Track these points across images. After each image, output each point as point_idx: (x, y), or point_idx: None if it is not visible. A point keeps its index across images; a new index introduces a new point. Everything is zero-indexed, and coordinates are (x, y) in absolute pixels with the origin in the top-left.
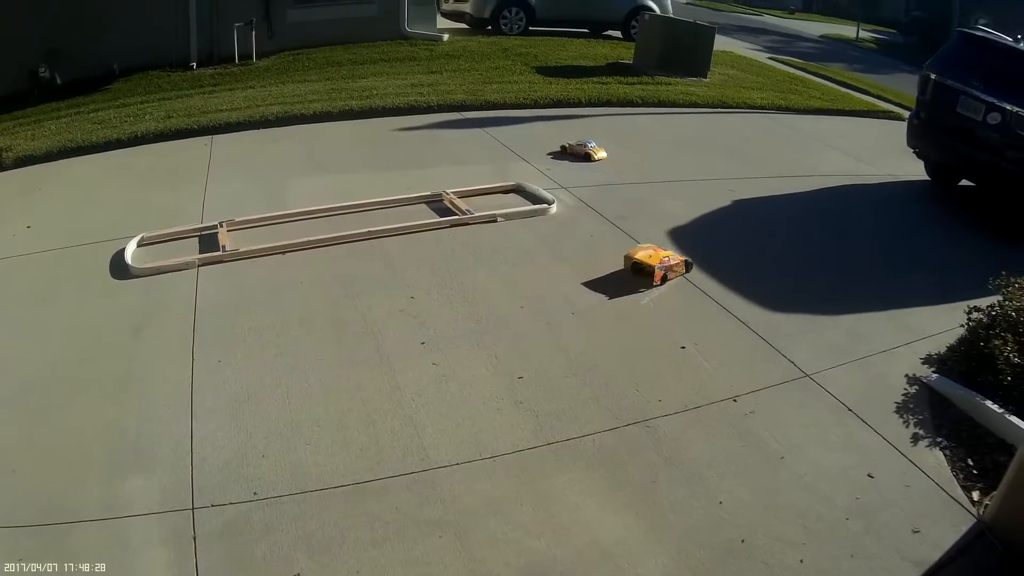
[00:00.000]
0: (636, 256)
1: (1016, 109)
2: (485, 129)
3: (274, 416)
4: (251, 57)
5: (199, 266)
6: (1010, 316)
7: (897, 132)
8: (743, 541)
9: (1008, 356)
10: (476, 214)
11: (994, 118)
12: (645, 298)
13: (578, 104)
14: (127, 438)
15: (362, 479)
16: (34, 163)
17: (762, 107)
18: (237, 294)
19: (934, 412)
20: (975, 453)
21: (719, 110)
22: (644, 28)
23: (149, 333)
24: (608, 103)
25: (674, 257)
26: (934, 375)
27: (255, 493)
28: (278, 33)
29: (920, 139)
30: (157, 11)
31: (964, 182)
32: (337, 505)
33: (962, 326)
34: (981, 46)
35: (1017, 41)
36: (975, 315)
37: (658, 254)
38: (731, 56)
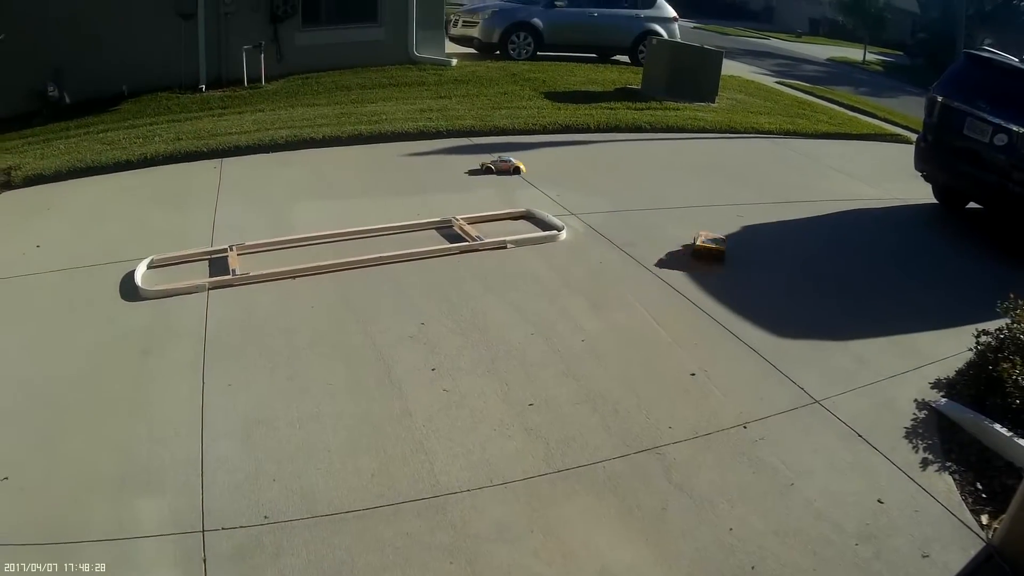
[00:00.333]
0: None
1: (1023, 130)
2: (494, 155)
3: (285, 440)
4: (260, 80)
5: (209, 289)
6: (1018, 339)
7: (905, 155)
8: (753, 568)
9: (1016, 379)
10: (486, 240)
11: (1001, 139)
12: (654, 324)
13: (587, 130)
14: (136, 460)
15: (373, 504)
16: (43, 182)
17: (770, 132)
18: (248, 318)
19: (943, 436)
20: (984, 477)
21: (727, 135)
22: (652, 53)
23: (159, 355)
24: (617, 128)
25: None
26: (943, 399)
27: (266, 517)
28: (287, 56)
29: (927, 162)
30: (166, 33)
31: (972, 204)
32: (348, 530)
33: (970, 350)
34: (987, 67)
35: (1023, 62)
36: (984, 339)
37: None
38: (738, 80)
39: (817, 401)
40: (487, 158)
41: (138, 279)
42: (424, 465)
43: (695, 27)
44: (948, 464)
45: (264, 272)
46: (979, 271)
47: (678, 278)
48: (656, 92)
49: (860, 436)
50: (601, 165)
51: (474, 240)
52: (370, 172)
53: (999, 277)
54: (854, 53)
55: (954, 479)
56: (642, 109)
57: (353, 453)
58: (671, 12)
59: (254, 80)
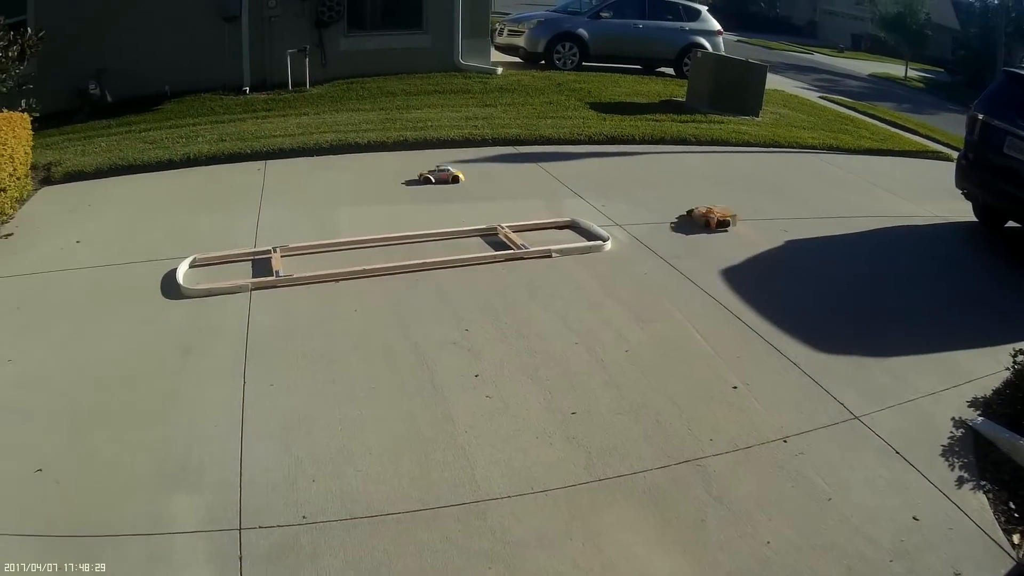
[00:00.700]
0: None
1: None
2: (540, 164)
3: (325, 442)
4: (304, 84)
5: (252, 290)
6: None
7: (945, 173)
8: None
9: None
10: (531, 249)
11: None
12: (697, 336)
13: (632, 141)
14: (174, 456)
15: (412, 508)
16: (83, 179)
17: (813, 147)
18: (290, 319)
19: (978, 455)
20: (1017, 496)
21: (771, 149)
22: (696, 66)
23: (200, 354)
24: (662, 140)
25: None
26: (979, 418)
27: (304, 517)
28: (331, 61)
29: (968, 180)
30: (210, 35)
31: (1012, 223)
32: (386, 533)
33: (1007, 369)
34: None
35: None
36: (1020, 358)
37: None
38: (782, 95)
39: (856, 417)
40: (426, 168)
41: (180, 278)
42: (465, 470)
43: (739, 40)
44: (982, 483)
45: (308, 274)
46: (1018, 291)
47: (722, 291)
48: (700, 105)
49: (897, 453)
50: (646, 177)
51: (519, 248)
52: (414, 179)
53: None
54: (896, 69)
55: (988, 498)
56: (687, 121)
57: (394, 456)
58: (716, 25)
59: (298, 84)
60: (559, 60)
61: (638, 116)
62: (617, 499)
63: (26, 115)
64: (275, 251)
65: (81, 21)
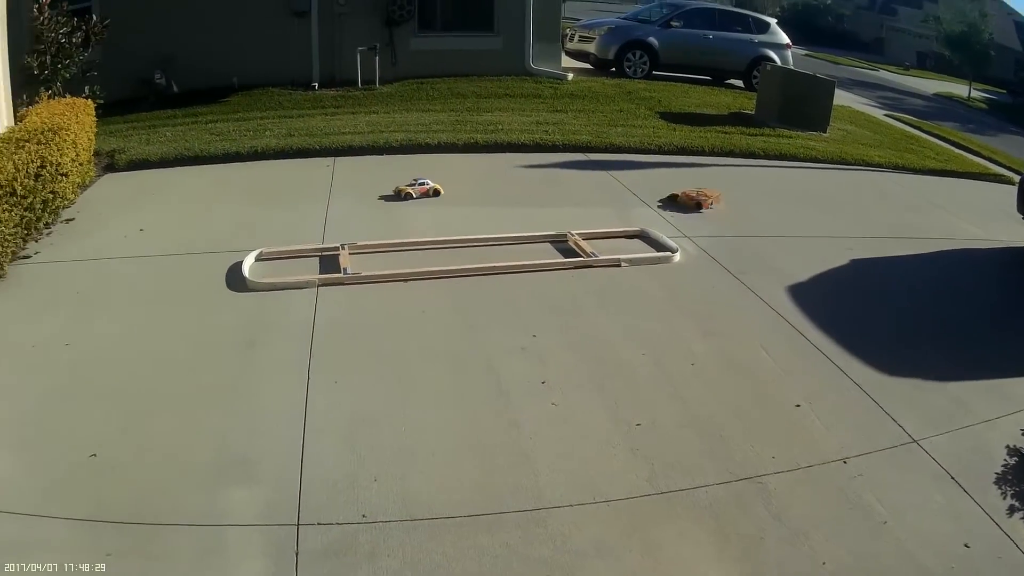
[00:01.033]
0: None
1: None
2: (609, 172)
3: (389, 442)
4: (374, 82)
5: (319, 286)
6: None
7: (1008, 196)
8: None
9: None
10: (600, 257)
11: None
12: (763, 352)
13: (701, 152)
14: (234, 448)
15: (473, 512)
16: (147, 167)
17: (879, 165)
18: (357, 317)
19: None
20: None
21: (837, 166)
22: (766, 79)
23: (264, 347)
24: (731, 153)
25: None
26: None
27: (364, 516)
28: (401, 60)
29: None
30: (279, 29)
31: None
32: (446, 536)
33: None
34: None
35: None
36: None
37: None
38: (848, 111)
39: (915, 440)
40: (403, 182)
41: (246, 270)
42: (528, 477)
43: (806, 55)
44: None
45: (376, 273)
46: None
47: (787, 307)
48: (769, 118)
49: (953, 479)
50: (714, 188)
51: (589, 256)
52: (485, 181)
53: None
54: (959, 89)
55: None
56: (755, 135)
57: (457, 460)
58: (785, 38)
59: (368, 82)
60: (629, 68)
61: (707, 128)
62: (678, 512)
63: (90, 102)
64: (343, 248)
65: (148, 11)
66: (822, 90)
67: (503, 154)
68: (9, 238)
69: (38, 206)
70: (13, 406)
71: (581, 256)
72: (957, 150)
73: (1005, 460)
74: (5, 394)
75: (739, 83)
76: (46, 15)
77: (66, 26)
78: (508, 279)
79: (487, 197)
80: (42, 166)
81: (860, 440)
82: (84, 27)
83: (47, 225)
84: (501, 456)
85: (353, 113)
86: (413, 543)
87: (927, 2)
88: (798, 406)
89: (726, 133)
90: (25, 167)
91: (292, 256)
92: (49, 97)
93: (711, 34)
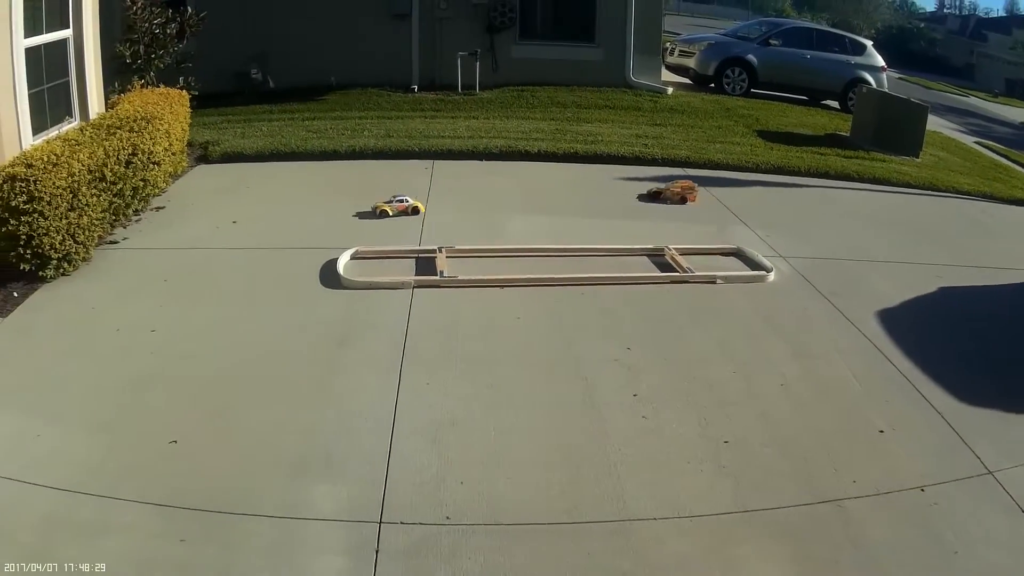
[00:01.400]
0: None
1: None
2: (707, 188)
3: (477, 446)
4: (474, 87)
5: (415, 287)
6: None
7: None
8: None
9: None
10: (696, 273)
11: None
12: (851, 377)
13: (797, 172)
14: (320, 444)
15: (558, 520)
16: (241, 160)
17: (968, 193)
18: (452, 320)
19: None
20: None
21: (928, 192)
22: (861, 101)
23: (356, 346)
24: (826, 175)
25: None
26: None
27: (447, 518)
28: (502, 67)
29: None
30: (379, 30)
31: None
32: (529, 542)
33: None
34: None
35: None
36: None
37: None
38: (939, 137)
39: (990, 472)
40: (381, 200)
41: (341, 268)
42: (614, 488)
43: (899, 78)
44: None
45: (472, 277)
46: None
47: (876, 332)
48: (863, 141)
49: (1023, 512)
50: (810, 210)
51: (685, 271)
52: (583, 192)
53: None
54: None
55: None
56: (850, 157)
57: (545, 467)
58: (880, 61)
59: (468, 87)
60: (728, 84)
61: (804, 148)
62: (759, 532)
63: (184, 92)
64: (440, 251)
65: (246, 6)
66: (915, 115)
67: (602, 165)
68: (96, 223)
69: (128, 193)
70: (94, 389)
71: (677, 271)
72: None
73: None
74: (87, 376)
75: (835, 104)
76: (139, 5)
77: (160, 17)
78: (605, 290)
79: (585, 208)
80: (133, 153)
81: (938, 468)
82: (179, 19)
83: (136, 212)
84: (588, 466)
85: (452, 117)
86: (494, 547)
87: (1016, 29)
88: (881, 431)
89: (822, 154)
90: (116, 154)
91: (387, 256)
92: (142, 86)
93: (809, 54)
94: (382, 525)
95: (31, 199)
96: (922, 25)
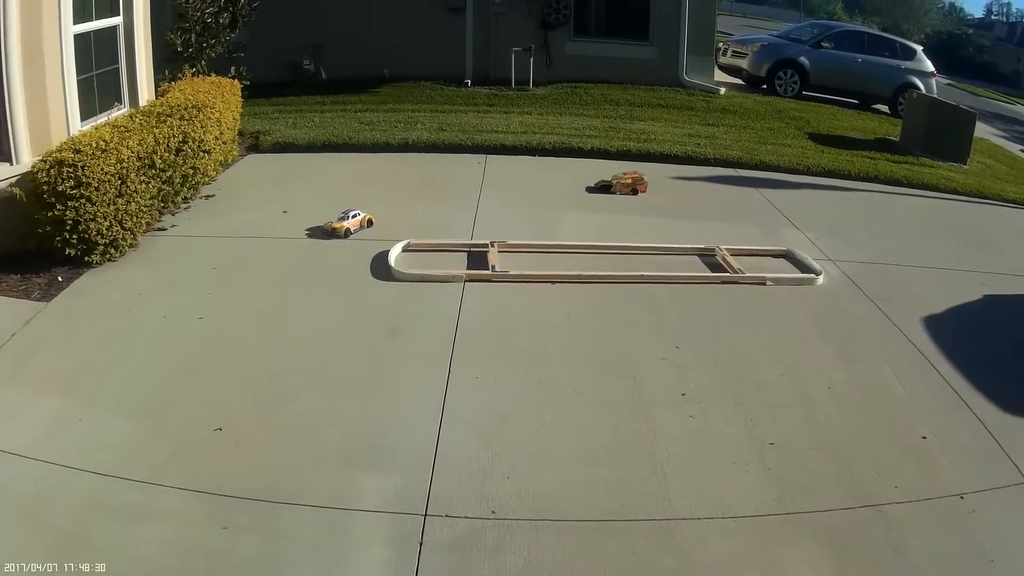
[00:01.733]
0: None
1: None
2: (758, 189)
3: (525, 441)
4: (528, 83)
5: (466, 281)
6: None
7: None
8: None
9: None
10: (747, 274)
11: None
12: (896, 382)
13: (847, 176)
14: (367, 435)
15: (603, 518)
16: (292, 151)
17: (1014, 201)
18: (502, 315)
19: None
20: None
21: (975, 199)
22: (911, 106)
23: (406, 338)
24: (875, 179)
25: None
26: None
27: (493, 512)
28: (556, 63)
29: None
30: (433, 23)
31: None
32: (573, 538)
33: None
34: None
35: None
36: None
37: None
38: (986, 144)
39: None
40: (334, 219)
41: (392, 260)
42: (660, 487)
43: (948, 84)
44: None
45: (524, 272)
46: None
47: (921, 338)
48: (912, 146)
49: None
50: (859, 214)
51: (735, 272)
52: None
53: None
54: None
55: None
56: (899, 162)
57: (591, 464)
58: (930, 67)
59: (521, 82)
60: (780, 86)
61: (854, 152)
62: (801, 534)
63: (236, 82)
64: (492, 246)
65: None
66: (964, 122)
67: (654, 164)
68: (145, 209)
69: (177, 180)
70: (139, 374)
71: (728, 272)
72: None
73: None
74: (132, 362)
75: (885, 109)
76: None
77: (212, 6)
78: (655, 288)
79: (638, 206)
80: (184, 141)
81: (978, 476)
82: (231, 8)
83: (185, 200)
84: (635, 464)
85: (506, 112)
86: (539, 543)
87: None
88: (924, 438)
89: (872, 158)
90: (166, 141)
91: (439, 249)
92: (193, 75)
93: (860, 57)
94: (427, 518)
95: (78, 184)
96: (970, 31)
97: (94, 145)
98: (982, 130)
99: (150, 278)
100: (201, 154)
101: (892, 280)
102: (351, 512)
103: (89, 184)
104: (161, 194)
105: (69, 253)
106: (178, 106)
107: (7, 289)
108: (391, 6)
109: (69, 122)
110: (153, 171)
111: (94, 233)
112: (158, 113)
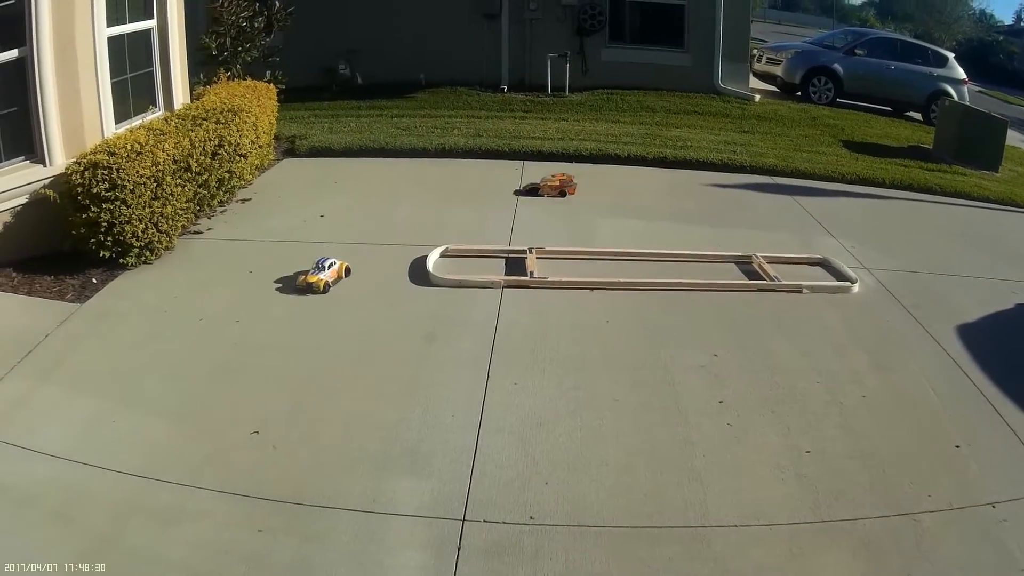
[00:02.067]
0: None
1: None
2: (794, 197)
3: (563, 447)
4: (564, 89)
5: (504, 287)
6: None
7: None
8: None
9: None
10: (783, 282)
11: None
12: (930, 391)
13: (881, 184)
14: (404, 440)
15: (639, 524)
16: (328, 155)
17: None
18: (541, 321)
19: None
20: None
21: (1007, 208)
22: (943, 114)
23: (444, 343)
24: (909, 187)
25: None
26: None
27: (531, 518)
28: (592, 70)
29: None
30: (468, 29)
31: None
32: (611, 544)
33: None
34: None
35: None
36: None
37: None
38: (1017, 152)
39: None
40: (307, 273)
41: (430, 265)
42: (697, 494)
43: (979, 91)
44: None
45: (562, 279)
46: None
47: (955, 347)
48: (945, 154)
49: None
50: (892, 221)
51: (772, 280)
52: (672, 197)
53: None
54: None
55: None
56: (932, 170)
57: (629, 471)
58: (961, 74)
59: (557, 88)
60: (814, 94)
61: (888, 160)
62: (835, 543)
63: (271, 86)
64: (530, 252)
65: (335, 2)
66: (996, 129)
67: (691, 171)
68: (181, 212)
69: (213, 184)
70: (174, 376)
71: (764, 279)
72: None
73: None
74: (167, 363)
75: (918, 116)
76: None
77: (247, 10)
78: (693, 295)
79: (675, 213)
80: (219, 145)
81: (1009, 486)
82: (266, 13)
83: (221, 203)
84: (672, 471)
85: (542, 119)
86: (577, 549)
87: None
88: (957, 447)
89: (905, 166)
90: (202, 144)
91: (477, 255)
92: (228, 78)
93: (893, 65)
94: (465, 522)
95: (113, 186)
96: (1000, 38)
97: (129, 148)
98: (1013, 138)
99: (186, 281)
100: (237, 158)
101: (925, 288)
102: (388, 516)
103: (124, 186)
104: (197, 197)
105: (104, 255)
106: (214, 109)
107: (40, 290)
108: (426, 12)
109: (103, 125)
110: (189, 174)
111: (129, 235)
112: (193, 116)
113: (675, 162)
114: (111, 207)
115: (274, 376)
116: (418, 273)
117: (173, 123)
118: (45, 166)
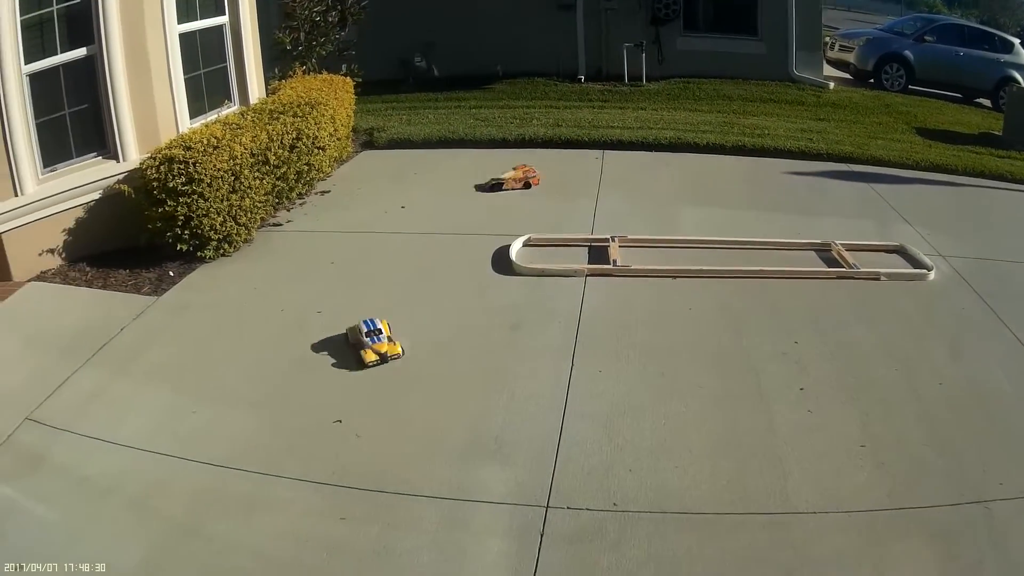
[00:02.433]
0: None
1: None
2: (870, 184)
3: (647, 434)
4: (641, 79)
5: (587, 275)
6: None
7: None
8: None
9: None
10: (862, 269)
11: None
12: (1004, 380)
13: (954, 171)
14: (489, 428)
15: (722, 511)
16: (407, 147)
17: None
18: (624, 309)
19: None
20: None
21: None
22: (1012, 100)
23: (528, 332)
24: (981, 174)
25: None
26: None
27: (615, 504)
28: (668, 59)
29: None
30: (544, 20)
31: None
32: (693, 531)
33: None
34: None
35: None
36: None
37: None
38: None
39: None
40: (364, 341)
41: (513, 255)
42: (778, 481)
43: None
44: None
45: (644, 267)
46: None
47: None
48: (1016, 141)
49: None
50: (966, 209)
51: (851, 267)
52: (751, 185)
53: None
54: None
55: None
56: (1003, 157)
57: (712, 457)
58: None
59: (634, 78)
60: (887, 80)
61: (959, 147)
62: (910, 530)
63: (348, 79)
64: (613, 240)
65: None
66: None
67: (768, 159)
68: (259, 205)
69: (291, 176)
70: (255, 366)
71: (843, 267)
72: None
73: None
74: (249, 354)
75: (987, 103)
76: None
77: (320, 5)
78: (773, 283)
79: (753, 201)
80: (297, 138)
81: None
82: (340, 7)
83: (300, 196)
84: (754, 458)
85: (621, 108)
86: (660, 535)
87: None
88: None
89: (977, 154)
90: (279, 138)
91: (560, 244)
92: (304, 72)
93: (961, 51)
94: (548, 509)
95: (190, 180)
96: None
97: (205, 142)
98: None
99: (266, 272)
100: (315, 150)
101: (999, 276)
102: (472, 503)
103: (201, 180)
104: (276, 190)
105: (181, 248)
106: (291, 103)
107: (116, 284)
108: (502, 3)
109: (178, 120)
110: (267, 167)
111: (207, 228)
112: (270, 110)
113: (753, 150)
114: (188, 200)
115: (358, 365)
116: (501, 262)
117: (250, 117)
118: (118, 162)
